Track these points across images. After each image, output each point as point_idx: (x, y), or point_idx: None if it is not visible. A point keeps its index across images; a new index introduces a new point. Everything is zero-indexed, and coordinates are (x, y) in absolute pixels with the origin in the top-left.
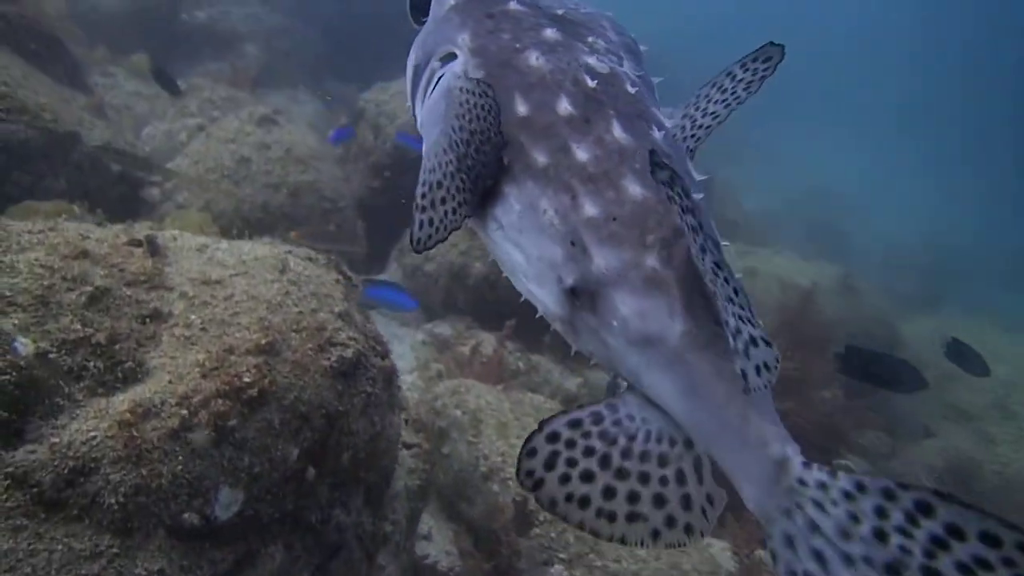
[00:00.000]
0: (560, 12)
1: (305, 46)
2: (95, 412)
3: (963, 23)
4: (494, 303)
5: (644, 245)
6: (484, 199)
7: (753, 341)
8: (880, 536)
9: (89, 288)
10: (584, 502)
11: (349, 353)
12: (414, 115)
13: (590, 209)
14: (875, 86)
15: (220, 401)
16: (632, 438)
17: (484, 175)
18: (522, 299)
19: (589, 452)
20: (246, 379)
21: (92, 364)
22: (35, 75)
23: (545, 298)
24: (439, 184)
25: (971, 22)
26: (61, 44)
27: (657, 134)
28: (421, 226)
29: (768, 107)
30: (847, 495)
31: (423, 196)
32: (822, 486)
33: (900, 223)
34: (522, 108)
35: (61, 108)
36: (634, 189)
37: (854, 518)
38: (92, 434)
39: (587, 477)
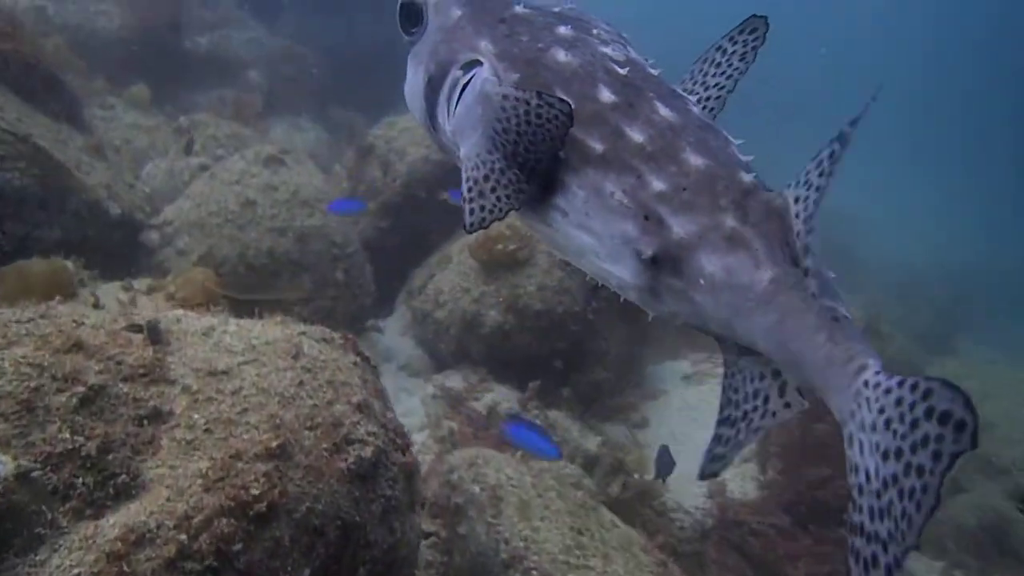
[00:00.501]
0: (557, 10)
1: (307, 71)
2: (80, 542)
3: (971, 27)
4: (508, 352)
5: (718, 208)
6: (541, 191)
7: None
8: (914, 424)
9: (81, 388)
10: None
11: (368, 452)
12: (429, 126)
13: (657, 184)
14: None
15: (224, 521)
16: (738, 389)
17: (537, 169)
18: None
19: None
20: (254, 491)
21: (80, 480)
22: (32, 116)
23: (621, 272)
24: (486, 178)
25: (980, 25)
26: (59, 81)
27: (695, 108)
28: (472, 212)
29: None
30: (898, 401)
31: (470, 190)
32: (887, 392)
33: (906, 239)
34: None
35: (58, 150)
36: (695, 160)
37: (900, 417)
38: (76, 572)
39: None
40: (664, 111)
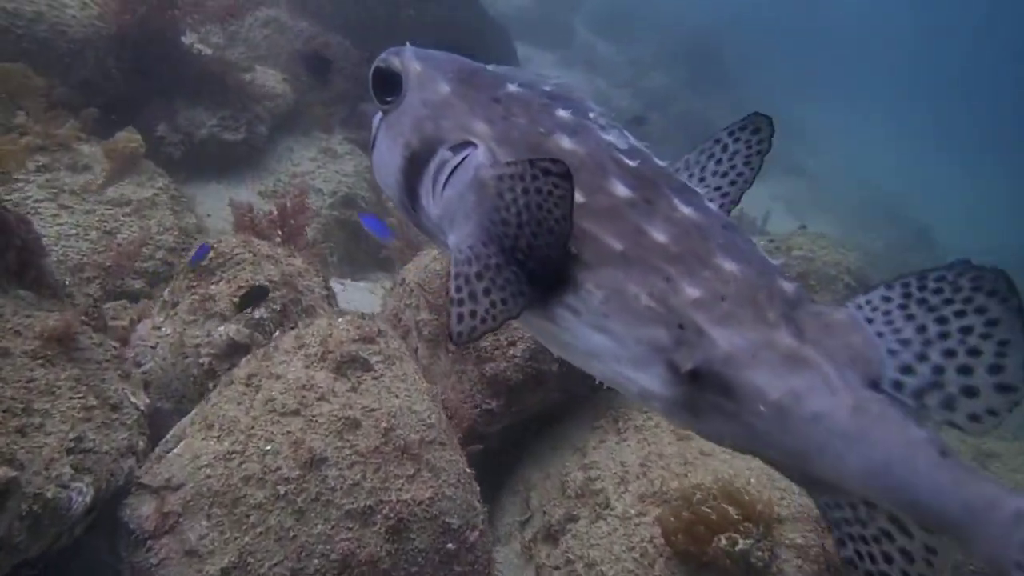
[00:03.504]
0: (549, 89)
1: (341, 69)
2: None
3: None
4: None
5: (767, 322)
6: (547, 291)
7: (968, 391)
8: None
9: None
10: None
11: None
12: (407, 206)
13: (692, 291)
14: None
15: None
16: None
17: (540, 267)
18: None
19: None
20: None
21: None
22: None
23: (647, 381)
24: (479, 276)
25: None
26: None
27: (713, 206)
28: (460, 319)
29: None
30: None
31: (458, 289)
32: None
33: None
34: (576, 195)
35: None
36: (729, 266)
37: None
38: None
39: None
40: (685, 209)
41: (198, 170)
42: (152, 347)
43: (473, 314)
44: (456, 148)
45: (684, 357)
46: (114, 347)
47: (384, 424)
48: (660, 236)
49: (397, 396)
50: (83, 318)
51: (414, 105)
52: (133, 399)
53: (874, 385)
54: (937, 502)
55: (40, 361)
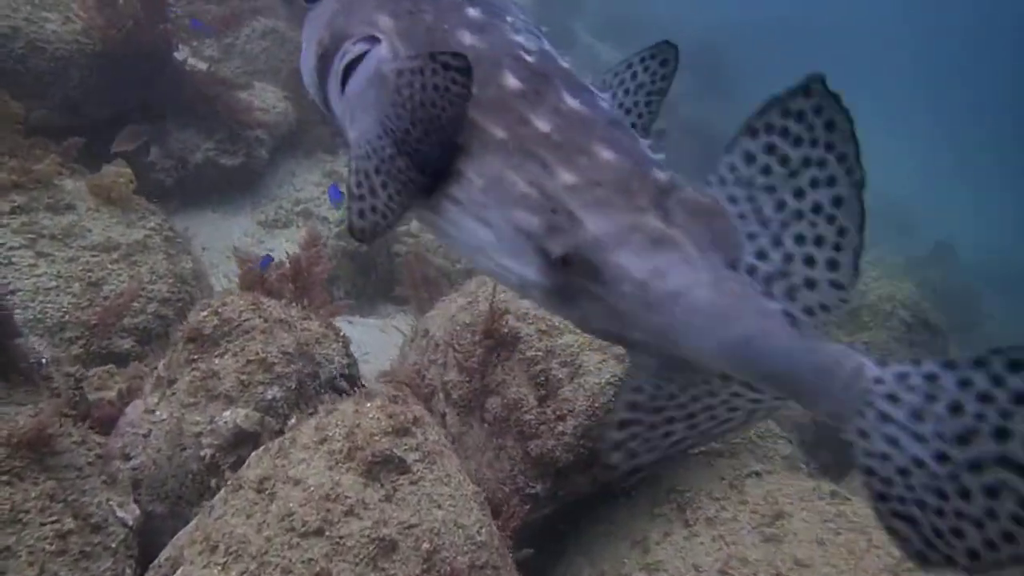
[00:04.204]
0: None
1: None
2: None
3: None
4: None
5: (636, 207)
6: (435, 183)
7: (809, 283)
8: (954, 408)
9: None
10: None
11: None
12: (324, 107)
13: (567, 176)
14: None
15: None
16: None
17: (432, 157)
18: None
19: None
20: None
21: None
22: None
23: (522, 270)
24: (376, 170)
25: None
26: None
27: (605, 104)
28: (361, 214)
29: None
30: (929, 377)
31: (359, 185)
32: (901, 378)
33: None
34: None
35: None
36: (606, 154)
37: (930, 397)
38: None
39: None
40: (572, 102)
41: (192, 198)
42: (144, 435)
43: (374, 209)
44: (359, 42)
45: (555, 243)
46: (98, 444)
47: (426, 545)
48: (543, 125)
49: (440, 506)
50: (63, 411)
51: (330, 1)
52: (120, 512)
53: (733, 267)
54: (791, 370)
55: (6, 477)
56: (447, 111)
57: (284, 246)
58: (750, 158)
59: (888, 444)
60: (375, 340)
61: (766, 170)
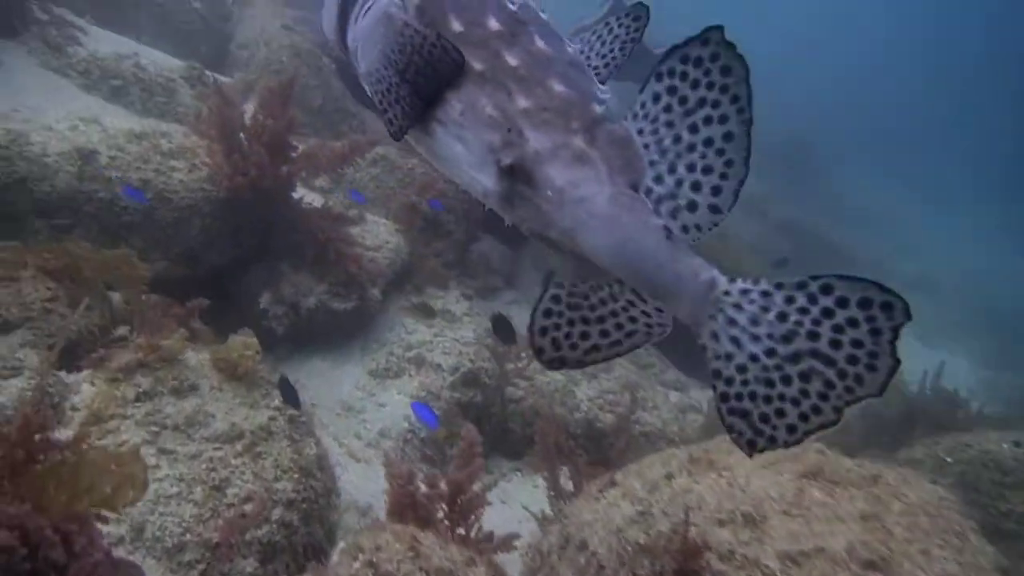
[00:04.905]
0: None
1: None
2: None
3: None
4: None
5: (570, 130)
6: (426, 108)
7: (691, 206)
8: (781, 317)
9: None
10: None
11: None
12: (343, 47)
13: (523, 102)
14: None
15: None
16: (586, 297)
17: (425, 87)
18: None
19: (571, 323)
20: None
21: None
22: None
23: (485, 179)
24: (388, 91)
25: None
26: None
27: (570, 49)
28: (392, 120)
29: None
30: (764, 293)
31: (380, 102)
32: (744, 292)
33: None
34: (457, 25)
35: None
36: (559, 88)
37: (764, 308)
38: None
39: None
40: (541, 44)
41: (301, 345)
42: None
43: (396, 116)
44: None
45: (506, 155)
46: None
47: None
48: (513, 61)
49: None
50: None
51: None
52: None
53: (635, 187)
54: (657, 274)
55: None
56: (442, 60)
57: (396, 398)
58: (656, 98)
59: (732, 344)
60: (495, 515)
61: (668, 108)
